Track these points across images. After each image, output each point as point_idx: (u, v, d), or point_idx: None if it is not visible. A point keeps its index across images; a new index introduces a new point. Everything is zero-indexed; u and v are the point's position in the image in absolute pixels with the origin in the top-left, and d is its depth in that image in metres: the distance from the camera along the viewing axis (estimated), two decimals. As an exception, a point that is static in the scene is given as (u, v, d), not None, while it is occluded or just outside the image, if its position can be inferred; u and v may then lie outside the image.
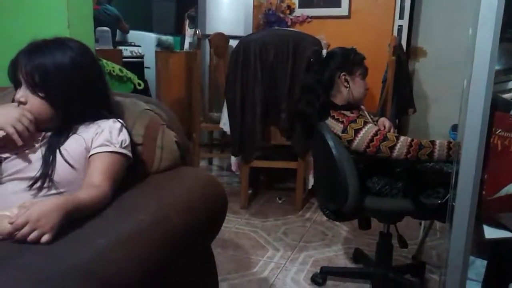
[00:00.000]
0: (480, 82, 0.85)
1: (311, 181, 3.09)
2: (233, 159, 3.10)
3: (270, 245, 2.52)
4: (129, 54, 4.29)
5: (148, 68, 4.42)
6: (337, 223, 2.82)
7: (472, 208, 0.91)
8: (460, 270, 1.09)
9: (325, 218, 2.86)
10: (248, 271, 2.21)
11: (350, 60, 1.88)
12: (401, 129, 3.73)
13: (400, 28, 3.81)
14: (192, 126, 3.46)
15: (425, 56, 4.09)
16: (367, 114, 1.95)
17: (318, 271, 2.15)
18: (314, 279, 2.11)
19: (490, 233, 0.97)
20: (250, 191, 3.23)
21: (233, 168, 3.17)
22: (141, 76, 3.37)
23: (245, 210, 3.04)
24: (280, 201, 3.23)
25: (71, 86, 1.20)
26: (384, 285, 2.03)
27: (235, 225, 2.78)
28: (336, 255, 2.42)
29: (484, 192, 0.93)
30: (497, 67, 0.90)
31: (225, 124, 3.07)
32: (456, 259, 1.09)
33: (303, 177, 3.05)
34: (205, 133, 3.91)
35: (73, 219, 0.99)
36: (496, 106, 0.90)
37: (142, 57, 4.46)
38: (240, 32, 3.79)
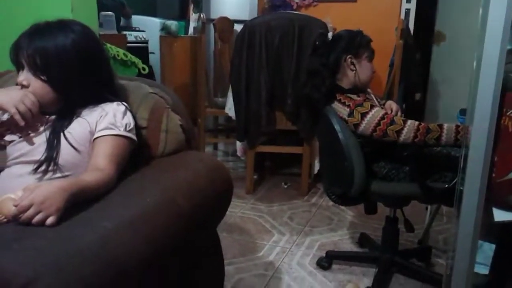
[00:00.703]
0: (491, 61, 0.83)
1: (316, 166, 3.08)
2: (238, 144, 3.09)
3: (276, 229, 2.52)
4: (133, 39, 4.25)
5: (153, 53, 4.39)
6: (343, 208, 2.82)
7: (481, 191, 0.90)
8: (468, 253, 1.08)
9: (330, 203, 2.87)
10: (254, 255, 2.22)
11: (356, 43, 1.85)
12: (407, 113, 3.71)
13: (407, 11, 3.75)
14: (197, 111, 3.45)
15: (444, 40, 4.05)
16: (374, 98, 1.93)
17: (324, 255, 2.15)
18: (319, 263, 2.12)
19: (500, 215, 0.96)
20: (255, 176, 3.23)
21: (239, 153, 3.16)
22: (145, 61, 3.35)
23: (251, 195, 3.04)
24: (285, 186, 3.22)
25: (73, 69, 1.18)
26: (390, 269, 2.03)
27: (241, 210, 2.78)
28: (342, 240, 2.42)
29: (494, 175, 0.91)
30: (508, 47, 0.88)
31: (230, 109, 3.05)
32: (464, 243, 1.08)
33: (309, 162, 3.04)
34: (210, 118, 3.90)
35: (78, 202, 0.98)
36: (507, 86, 0.88)
37: (146, 42, 4.42)
38: (245, 16, 3.76)
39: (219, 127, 4.08)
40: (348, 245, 2.37)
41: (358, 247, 2.35)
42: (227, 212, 1.42)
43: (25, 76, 1.17)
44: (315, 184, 3.24)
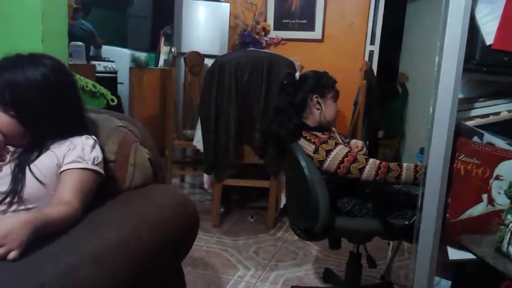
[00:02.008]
0: (445, 110, 0.90)
1: (283, 200, 3.11)
2: (205, 177, 3.10)
3: (241, 264, 2.51)
4: (103, 69, 4.26)
5: (122, 83, 4.39)
6: (308, 242, 2.84)
7: (436, 230, 0.95)
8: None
9: (296, 237, 2.86)
10: (218, 290, 2.20)
11: (322, 83, 1.93)
12: (370, 151, 3.82)
13: (371, 53, 3.93)
14: (165, 142, 3.45)
15: (407, 81, 4.24)
16: (338, 136, 2.00)
17: (288, 291, 2.16)
18: (284, 299, 2.12)
19: (454, 254, 1.01)
20: (222, 209, 3.23)
21: (206, 186, 3.16)
22: (114, 91, 3.35)
23: (217, 228, 3.03)
24: (252, 220, 3.23)
25: (42, 104, 1.18)
26: (352, 305, 2.05)
27: (206, 243, 2.76)
28: (307, 275, 2.43)
29: (447, 215, 0.96)
30: (460, 96, 0.95)
31: (198, 141, 3.07)
32: (421, 279, 1.12)
33: (276, 196, 3.07)
34: (178, 150, 3.90)
35: (42, 236, 0.97)
36: (460, 132, 0.94)
37: (115, 72, 4.43)
38: (216, 52, 3.83)
39: (187, 159, 4.07)
40: (313, 280, 2.38)
41: (322, 283, 2.36)
42: (193, 246, 1.42)
43: None
44: (281, 218, 3.26)
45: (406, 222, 1.76)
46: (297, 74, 2.02)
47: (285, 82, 2.04)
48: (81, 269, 0.95)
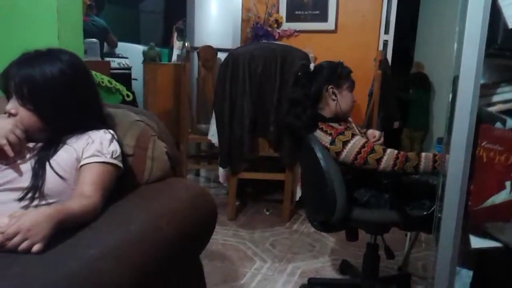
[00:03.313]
0: (466, 96, 0.88)
1: (298, 193, 3.11)
2: (220, 170, 3.10)
3: (258, 256, 2.52)
4: (117, 66, 4.28)
5: (136, 79, 4.42)
6: (324, 234, 2.84)
7: (458, 219, 0.94)
8: (447, 280, 1.11)
9: (312, 229, 2.88)
10: (235, 282, 2.21)
11: (337, 74, 1.92)
12: (386, 142, 3.80)
13: (385, 43, 3.89)
14: (179, 137, 3.46)
15: (423, 70, 4.18)
16: (354, 127, 1.98)
17: (306, 282, 2.15)
18: (301, 291, 2.12)
19: (476, 242, 1.00)
20: (237, 203, 3.23)
21: (221, 179, 3.17)
22: (128, 87, 3.36)
23: (233, 221, 3.04)
24: (267, 213, 3.24)
25: (60, 99, 1.20)
26: (371, 296, 2.04)
27: (223, 236, 2.77)
28: (323, 267, 2.43)
29: (470, 203, 0.95)
30: (482, 81, 0.93)
31: (213, 135, 3.08)
32: (443, 269, 1.11)
33: (291, 188, 3.07)
34: (192, 144, 3.91)
35: (64, 229, 0.99)
36: (481, 119, 0.93)
37: (129, 68, 4.45)
38: (228, 45, 3.83)
39: (202, 154, 4.09)
40: (330, 272, 2.38)
41: (339, 274, 2.36)
42: (209, 242, 1.42)
43: (13, 105, 1.18)
44: (297, 210, 3.26)
45: (425, 213, 1.75)
46: (312, 65, 2.01)
47: (299, 73, 2.03)
48: (103, 261, 0.96)
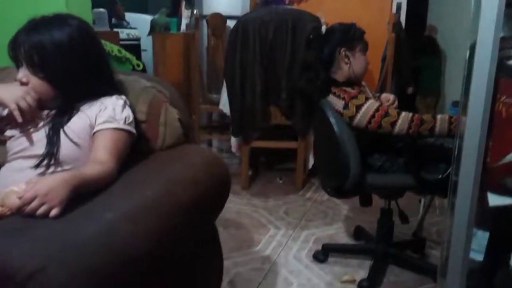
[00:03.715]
0: (486, 48, 0.85)
1: (311, 161, 3.10)
2: (233, 140, 3.10)
3: (272, 224, 2.54)
4: (126, 37, 4.25)
5: (145, 50, 4.38)
6: (338, 202, 2.84)
7: (476, 178, 0.92)
8: (463, 242, 1.10)
9: (325, 197, 2.90)
10: (250, 249, 2.23)
11: (350, 36, 1.87)
12: (400, 107, 3.75)
13: (398, 5, 3.77)
14: (191, 108, 3.45)
15: (437, 34, 4.08)
16: (368, 90, 1.95)
17: (320, 248, 2.17)
18: (316, 256, 2.14)
19: (494, 200, 0.98)
20: (250, 172, 3.24)
21: (233, 149, 3.17)
22: (138, 58, 3.34)
23: (246, 190, 3.05)
24: (280, 181, 3.24)
25: (71, 65, 1.19)
26: (385, 261, 2.06)
27: (237, 205, 2.79)
28: (337, 233, 2.45)
29: (488, 160, 0.93)
30: (501, 34, 0.90)
31: (224, 105, 3.06)
32: (459, 231, 1.10)
33: (304, 157, 3.06)
34: (204, 115, 3.90)
35: (80, 194, 0.99)
36: (501, 73, 0.90)
37: (138, 39, 4.42)
38: (237, 12, 3.76)
39: (213, 124, 4.08)
40: (344, 238, 2.39)
41: (353, 240, 2.37)
42: (224, 207, 1.43)
43: (23, 73, 1.18)
44: (310, 178, 3.26)
45: (440, 176, 1.73)
46: (323, 28, 1.97)
47: (311, 36, 1.99)
48: (121, 225, 0.96)
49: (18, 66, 1.20)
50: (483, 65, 0.85)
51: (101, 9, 3.06)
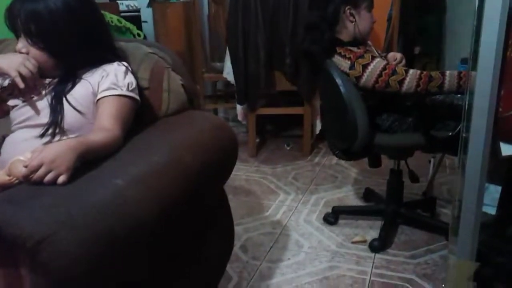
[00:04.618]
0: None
1: (318, 126, 3.08)
2: (238, 108, 3.08)
3: (281, 189, 2.54)
4: (125, 9, 4.17)
5: (146, 22, 4.31)
6: (347, 165, 2.84)
7: (489, 123, 0.90)
8: (475, 196, 1.09)
9: (334, 161, 2.89)
10: (261, 214, 2.25)
11: (354, -7, 1.82)
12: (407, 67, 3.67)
13: (403, -37, 3.65)
14: (194, 77, 3.41)
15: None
16: (374, 50, 1.91)
17: (330, 211, 2.18)
18: (326, 219, 2.14)
19: (507, 150, 0.96)
20: (257, 140, 3.23)
21: (239, 117, 3.15)
22: (139, 29, 3.29)
23: (254, 158, 3.05)
24: (288, 148, 3.23)
25: (68, 32, 1.16)
26: (396, 221, 2.06)
27: (245, 172, 2.79)
28: (347, 196, 2.45)
29: (500, 109, 0.91)
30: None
31: (228, 73, 3.02)
32: (472, 185, 1.09)
33: (310, 122, 3.04)
34: (208, 84, 3.87)
35: (87, 161, 0.99)
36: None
37: (138, 10, 4.33)
38: (238, -22, 3.66)
39: (218, 93, 4.05)
40: (354, 201, 2.39)
41: (363, 202, 2.37)
42: (232, 175, 1.42)
43: (22, 44, 1.16)
44: (318, 144, 3.25)
45: (450, 133, 1.71)
46: (327, -13, 1.90)
47: (314, -4, 1.93)
48: (131, 191, 0.96)
49: (17, 36, 1.18)
50: (494, 11, 0.82)
51: (99, -20, 2.99)
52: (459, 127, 1.61)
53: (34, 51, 1.16)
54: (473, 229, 1.13)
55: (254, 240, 2.00)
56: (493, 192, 1.32)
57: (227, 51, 2.92)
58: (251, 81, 2.82)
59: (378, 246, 1.88)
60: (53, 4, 1.13)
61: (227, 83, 3.44)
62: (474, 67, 1.07)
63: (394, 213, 2.03)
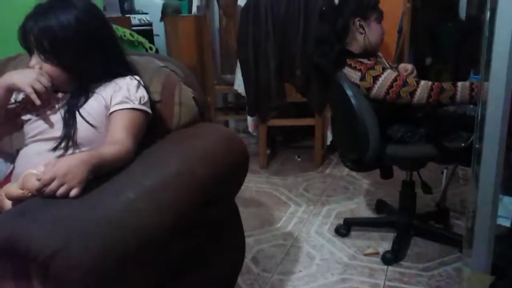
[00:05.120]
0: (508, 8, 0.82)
1: (329, 137, 3.08)
2: (249, 119, 3.09)
3: (292, 201, 2.53)
4: (138, 23, 4.23)
5: (158, 35, 4.36)
6: (358, 177, 2.82)
7: (502, 134, 0.89)
8: (490, 208, 1.08)
9: (345, 172, 2.88)
10: (272, 226, 2.24)
11: (364, 5, 1.82)
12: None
13: (413, -26, 3.66)
14: (206, 89, 3.44)
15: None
16: (384, 61, 1.91)
17: (342, 223, 2.16)
18: (338, 230, 2.13)
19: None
20: (268, 151, 3.23)
21: (250, 129, 3.16)
22: (151, 43, 3.33)
23: (265, 169, 3.05)
24: (299, 159, 3.23)
25: (81, 47, 1.18)
26: (409, 232, 2.04)
27: (256, 184, 2.79)
28: (358, 207, 2.43)
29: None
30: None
31: (239, 85, 3.04)
32: (486, 196, 1.08)
33: (321, 133, 3.03)
34: (219, 96, 3.89)
35: (99, 174, 0.99)
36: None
37: (150, 24, 4.39)
38: (248, -9, 3.70)
39: (229, 105, 4.07)
40: (365, 212, 2.38)
41: (375, 213, 2.35)
42: (243, 187, 1.42)
43: (35, 60, 1.17)
44: (328, 155, 3.24)
45: (463, 144, 1.69)
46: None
47: (323, 8, 1.95)
48: (142, 203, 0.97)
49: (30, 53, 1.20)
50: (504, 26, 0.82)
51: (112, -5, 3.05)
52: (472, 138, 1.59)
53: (47, 67, 1.17)
54: (488, 241, 1.11)
55: (265, 252, 1.99)
56: (508, 203, 1.30)
57: (238, 64, 2.94)
58: (262, 93, 2.83)
59: (391, 258, 1.86)
60: (65, 20, 1.15)
61: (237, 95, 3.46)
62: (486, 78, 1.07)
63: (407, 225, 2.01)
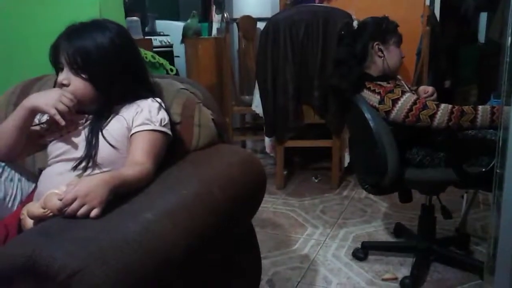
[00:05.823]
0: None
1: (347, 159, 3.06)
2: (267, 140, 3.10)
3: (309, 223, 2.51)
4: (159, 44, 4.31)
5: (178, 57, 4.44)
6: (376, 199, 2.79)
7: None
8: None
9: (363, 195, 2.85)
10: (288, 248, 2.22)
11: (383, 29, 1.83)
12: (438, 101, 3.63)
13: (432, -2, 3.67)
14: (224, 110, 3.47)
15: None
16: (404, 84, 1.90)
17: (359, 246, 2.13)
18: (355, 254, 2.10)
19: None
20: (285, 172, 3.23)
21: (268, 149, 3.16)
22: (171, 65, 3.39)
23: (282, 190, 3.04)
24: (316, 180, 3.21)
25: (112, 67, 1.21)
26: (428, 258, 2.00)
27: (273, 205, 2.78)
28: (377, 231, 2.40)
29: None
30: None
31: (257, 106, 3.06)
32: (508, 223, 1.06)
33: (339, 155, 3.02)
34: (237, 117, 3.92)
35: (120, 195, 1.01)
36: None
37: (171, 46, 4.47)
38: (267, 14, 3.76)
39: (247, 125, 4.10)
40: (384, 236, 2.34)
41: (393, 238, 2.32)
42: (259, 208, 1.42)
43: (65, 75, 1.19)
44: (346, 177, 3.22)
45: (483, 169, 1.67)
46: (355, 23, 1.93)
47: (343, 32, 1.96)
48: (160, 225, 0.98)
49: (57, 72, 1.23)
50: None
51: (134, 18, 3.12)
52: (492, 163, 1.57)
53: (77, 81, 1.19)
54: (510, 268, 1.08)
55: (281, 274, 1.97)
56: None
57: (256, 85, 2.97)
58: (280, 114, 2.85)
59: (410, 284, 1.82)
60: (100, 40, 1.19)
61: (255, 115, 3.48)
62: (508, 102, 1.06)
63: (426, 250, 1.97)
